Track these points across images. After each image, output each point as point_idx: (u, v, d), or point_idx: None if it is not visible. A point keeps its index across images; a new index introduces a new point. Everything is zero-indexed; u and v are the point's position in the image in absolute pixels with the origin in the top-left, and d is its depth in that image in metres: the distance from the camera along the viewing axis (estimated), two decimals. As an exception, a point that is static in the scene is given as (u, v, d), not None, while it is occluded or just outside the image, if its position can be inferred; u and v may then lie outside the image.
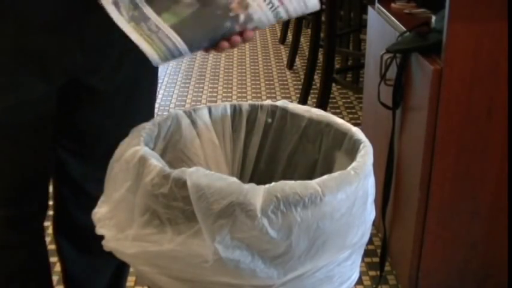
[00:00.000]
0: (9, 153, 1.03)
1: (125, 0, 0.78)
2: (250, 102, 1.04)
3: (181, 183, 0.75)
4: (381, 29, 1.89)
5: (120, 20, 0.78)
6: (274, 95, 3.26)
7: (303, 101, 3.08)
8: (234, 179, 0.75)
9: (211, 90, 3.33)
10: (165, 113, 1.04)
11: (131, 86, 1.09)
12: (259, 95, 3.26)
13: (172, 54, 0.79)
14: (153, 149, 0.91)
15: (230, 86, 3.38)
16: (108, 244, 0.84)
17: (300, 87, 3.21)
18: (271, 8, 0.78)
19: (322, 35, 3.00)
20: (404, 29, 1.65)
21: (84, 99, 1.07)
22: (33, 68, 0.96)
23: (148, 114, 1.12)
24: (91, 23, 0.95)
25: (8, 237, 1.11)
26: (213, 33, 0.80)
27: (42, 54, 0.95)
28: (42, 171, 1.11)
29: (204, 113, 1.02)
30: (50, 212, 1.23)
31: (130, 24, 0.78)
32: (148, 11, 0.78)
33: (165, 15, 0.78)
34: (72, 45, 0.96)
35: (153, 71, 1.16)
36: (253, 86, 3.38)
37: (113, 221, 0.84)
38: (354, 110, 3.06)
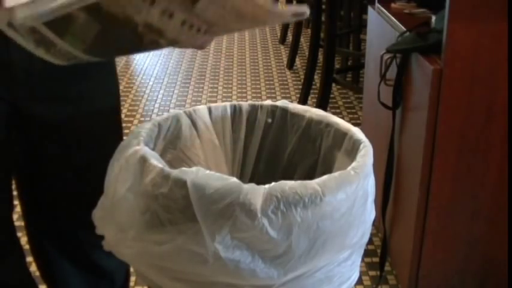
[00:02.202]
0: None
1: (22, 24, 0.61)
2: (250, 102, 1.04)
3: (181, 183, 0.75)
4: (380, 29, 1.89)
5: (28, 45, 0.65)
6: (274, 95, 3.26)
7: (303, 101, 3.08)
8: (234, 179, 0.75)
9: (211, 90, 3.33)
10: (165, 113, 1.03)
11: (88, 114, 1.03)
12: (259, 95, 3.26)
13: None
14: (153, 149, 0.91)
15: (230, 86, 3.39)
16: (108, 244, 0.84)
17: (300, 87, 3.21)
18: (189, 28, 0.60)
19: (322, 35, 3.00)
20: (404, 29, 1.65)
21: (38, 132, 1.01)
22: None
23: (115, 141, 1.02)
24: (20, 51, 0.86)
25: None
26: (130, 50, 0.69)
27: None
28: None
29: (204, 113, 1.02)
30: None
31: (38, 49, 0.66)
32: (50, 35, 0.64)
33: (68, 37, 0.64)
34: (2, 71, 0.90)
35: (112, 98, 1.08)
36: (253, 86, 3.38)
37: (113, 221, 0.84)
38: (354, 110, 3.06)
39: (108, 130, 1.09)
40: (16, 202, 1.12)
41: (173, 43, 0.62)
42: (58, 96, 0.98)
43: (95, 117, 1.05)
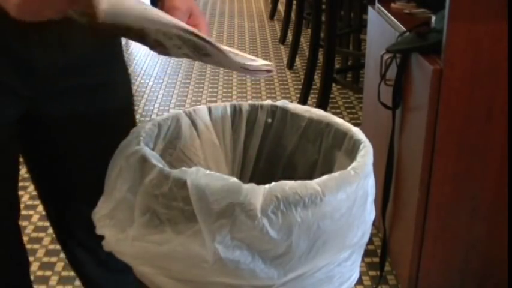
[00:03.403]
0: None
1: None
2: (250, 102, 1.04)
3: (181, 183, 0.75)
4: (381, 29, 1.89)
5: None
6: (274, 95, 3.26)
7: (303, 101, 3.08)
8: (234, 179, 0.75)
9: (211, 90, 3.33)
10: (165, 113, 1.03)
11: (103, 105, 1.03)
12: (259, 95, 3.26)
13: None
14: (153, 149, 0.91)
15: (230, 86, 3.39)
16: (108, 244, 0.84)
17: (300, 87, 3.21)
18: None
19: (322, 35, 3.00)
20: (404, 29, 1.65)
21: (46, 130, 1.01)
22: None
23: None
24: (40, 50, 0.88)
25: None
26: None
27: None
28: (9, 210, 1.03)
29: (204, 113, 1.02)
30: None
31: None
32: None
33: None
34: (22, 70, 0.90)
35: (127, 87, 1.09)
36: (253, 86, 3.38)
37: (113, 221, 0.84)
38: (354, 110, 3.06)
39: (123, 120, 1.09)
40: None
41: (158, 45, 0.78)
42: (75, 89, 0.98)
43: (110, 107, 1.05)
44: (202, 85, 3.39)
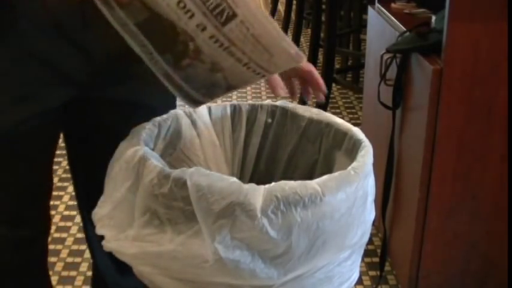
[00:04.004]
0: (10, 169, 0.98)
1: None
2: (250, 102, 1.04)
3: (181, 183, 0.75)
4: (381, 29, 1.89)
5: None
6: (274, 95, 3.26)
7: (303, 101, 3.08)
8: (234, 179, 0.75)
9: (211, 90, 3.32)
10: (165, 113, 1.03)
11: (139, 100, 1.04)
12: (259, 95, 3.26)
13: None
14: (153, 149, 0.91)
15: (230, 86, 3.38)
16: (108, 244, 0.84)
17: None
18: (219, 46, 0.75)
19: (322, 35, 3.00)
20: (404, 29, 1.65)
21: (92, 112, 1.03)
22: (46, 76, 0.92)
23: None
24: (97, 34, 0.90)
25: (7, 259, 1.06)
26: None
27: (53, 62, 0.91)
28: (43, 189, 1.06)
29: (204, 113, 1.02)
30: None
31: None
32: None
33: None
34: (79, 54, 0.92)
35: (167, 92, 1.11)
36: (253, 86, 3.38)
37: (113, 221, 0.84)
38: (354, 110, 3.06)
39: (167, 101, 1.08)
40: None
41: (198, 51, 0.76)
42: (127, 74, 0.99)
43: (154, 89, 1.03)
44: (202, 85, 3.39)
